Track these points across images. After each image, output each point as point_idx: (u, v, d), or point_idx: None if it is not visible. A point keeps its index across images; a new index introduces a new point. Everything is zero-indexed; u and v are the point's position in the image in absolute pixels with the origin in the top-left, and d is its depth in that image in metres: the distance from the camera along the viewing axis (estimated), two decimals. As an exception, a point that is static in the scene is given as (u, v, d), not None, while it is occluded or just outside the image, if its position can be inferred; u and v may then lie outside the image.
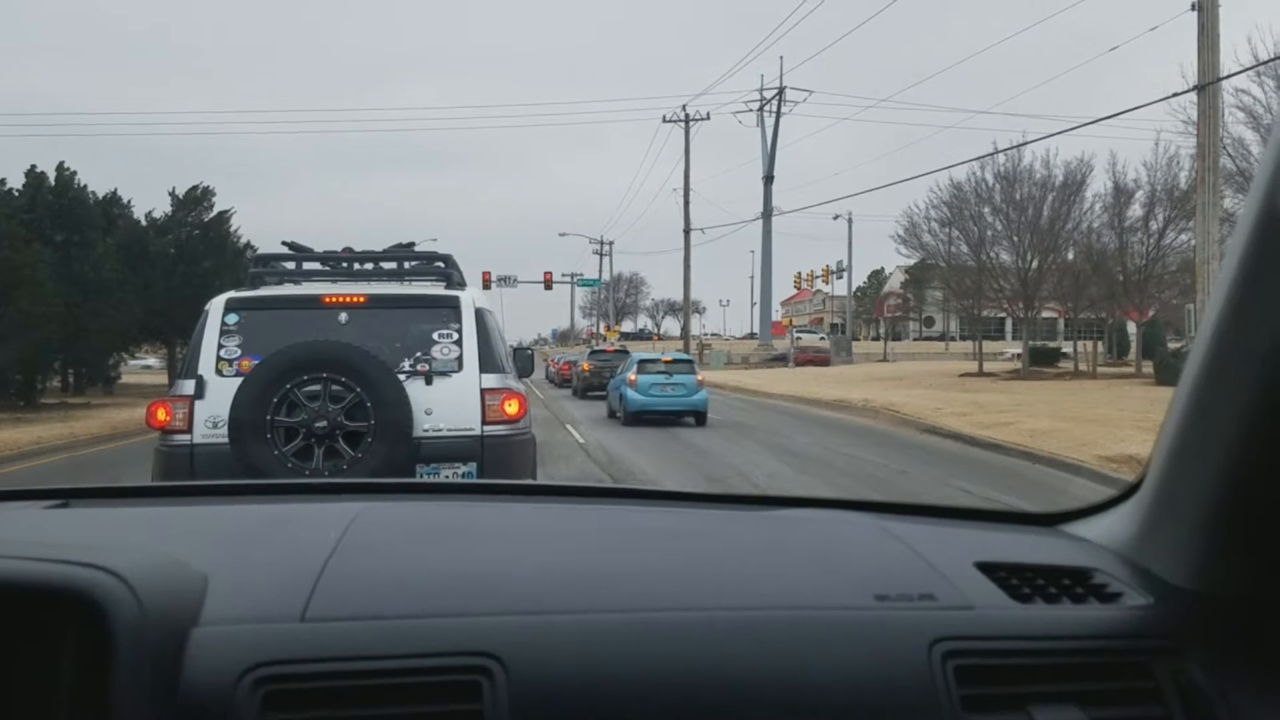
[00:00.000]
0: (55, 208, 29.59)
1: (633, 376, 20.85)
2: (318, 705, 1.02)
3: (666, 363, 21.46)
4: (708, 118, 57.95)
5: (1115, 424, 16.62)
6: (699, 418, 20.61)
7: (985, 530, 1.61)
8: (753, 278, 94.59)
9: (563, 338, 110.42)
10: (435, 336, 6.17)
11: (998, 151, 38.94)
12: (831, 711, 1.08)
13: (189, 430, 5.85)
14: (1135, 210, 37.43)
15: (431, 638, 1.09)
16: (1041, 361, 42.08)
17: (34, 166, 30.47)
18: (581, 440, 17.04)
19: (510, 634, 1.10)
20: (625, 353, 30.26)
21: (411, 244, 7.75)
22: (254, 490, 1.98)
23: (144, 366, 51.46)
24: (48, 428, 18.96)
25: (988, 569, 1.32)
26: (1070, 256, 39.90)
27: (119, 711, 0.94)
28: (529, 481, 5.82)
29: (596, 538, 1.44)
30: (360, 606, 1.13)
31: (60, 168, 30.79)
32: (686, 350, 48.93)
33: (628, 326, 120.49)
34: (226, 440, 5.65)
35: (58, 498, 1.64)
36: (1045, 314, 48.48)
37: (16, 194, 28.14)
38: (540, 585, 1.21)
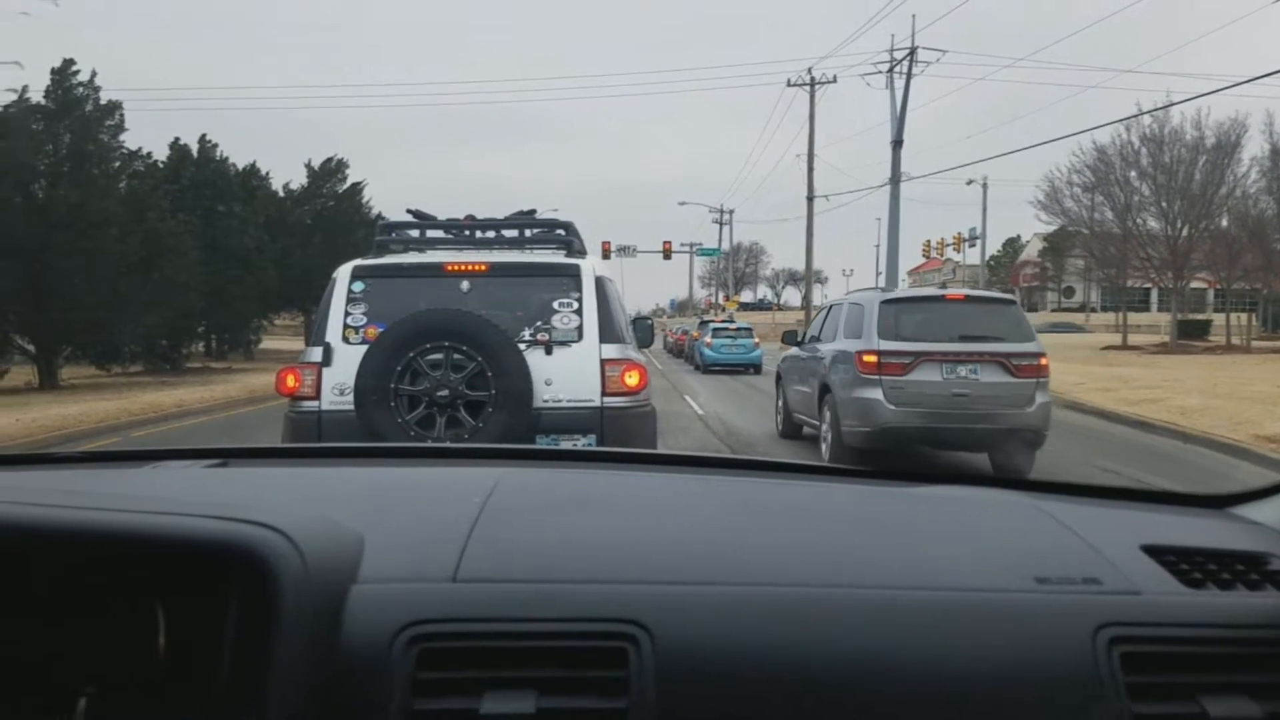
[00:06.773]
0: (198, 179, 30.94)
1: (709, 339, 29.72)
2: (468, 665, 1.03)
3: (732, 330, 30.11)
4: (834, 80, 56.29)
5: (1274, 401, 15.50)
6: (756, 368, 28.23)
7: (1149, 512, 1.55)
8: (878, 246, 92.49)
9: (681, 308, 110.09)
10: (555, 305, 6.04)
11: (1143, 113, 36.89)
12: (987, 696, 1.05)
13: (317, 397, 5.88)
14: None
15: (580, 603, 1.09)
16: (1191, 334, 39.85)
17: (178, 139, 31.91)
18: (700, 412, 16.86)
19: (657, 603, 1.09)
20: (707, 324, 36.70)
21: (533, 211, 7.60)
22: (399, 453, 2.07)
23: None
24: (189, 391, 19.81)
25: (1154, 552, 1.27)
26: (1224, 223, 37.62)
27: (281, 665, 0.95)
28: (658, 451, 5.63)
29: (734, 510, 1.42)
30: (509, 569, 1.14)
31: (202, 140, 32.16)
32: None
33: (747, 296, 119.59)
34: (352, 407, 5.66)
35: (217, 457, 1.71)
36: (1194, 284, 45.95)
37: (161, 165, 29.47)
38: (681, 555, 1.20)
